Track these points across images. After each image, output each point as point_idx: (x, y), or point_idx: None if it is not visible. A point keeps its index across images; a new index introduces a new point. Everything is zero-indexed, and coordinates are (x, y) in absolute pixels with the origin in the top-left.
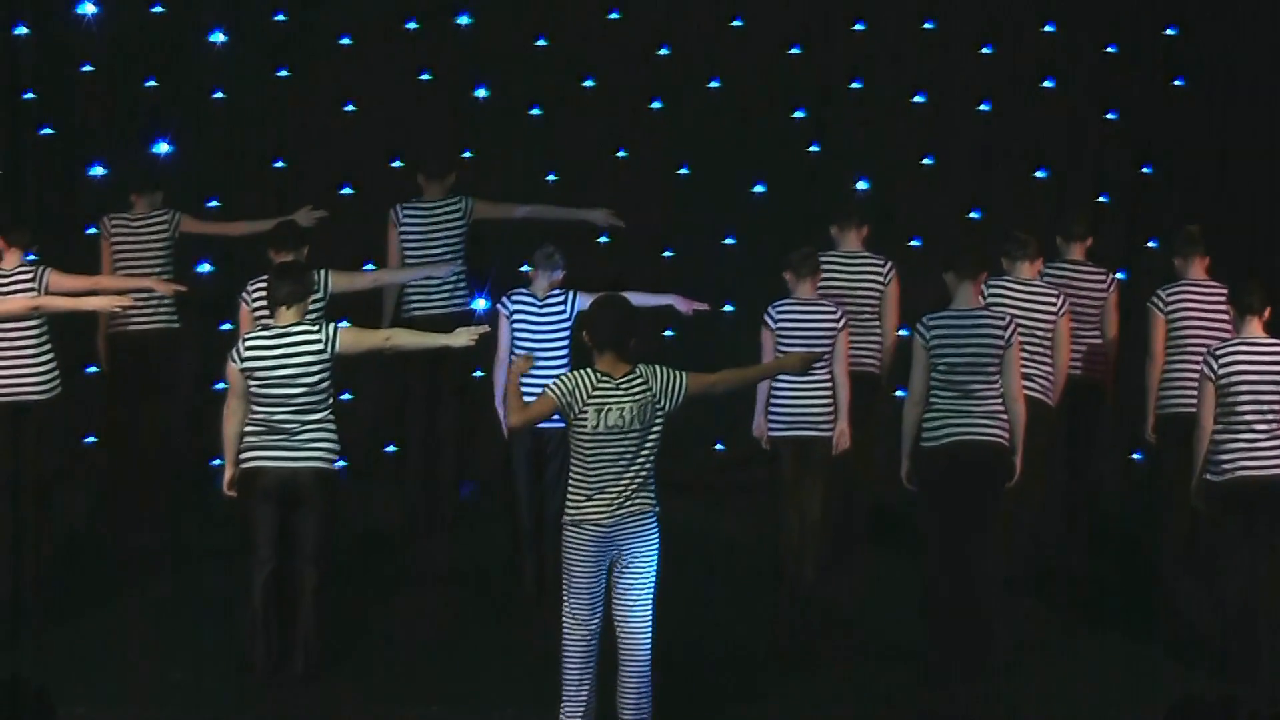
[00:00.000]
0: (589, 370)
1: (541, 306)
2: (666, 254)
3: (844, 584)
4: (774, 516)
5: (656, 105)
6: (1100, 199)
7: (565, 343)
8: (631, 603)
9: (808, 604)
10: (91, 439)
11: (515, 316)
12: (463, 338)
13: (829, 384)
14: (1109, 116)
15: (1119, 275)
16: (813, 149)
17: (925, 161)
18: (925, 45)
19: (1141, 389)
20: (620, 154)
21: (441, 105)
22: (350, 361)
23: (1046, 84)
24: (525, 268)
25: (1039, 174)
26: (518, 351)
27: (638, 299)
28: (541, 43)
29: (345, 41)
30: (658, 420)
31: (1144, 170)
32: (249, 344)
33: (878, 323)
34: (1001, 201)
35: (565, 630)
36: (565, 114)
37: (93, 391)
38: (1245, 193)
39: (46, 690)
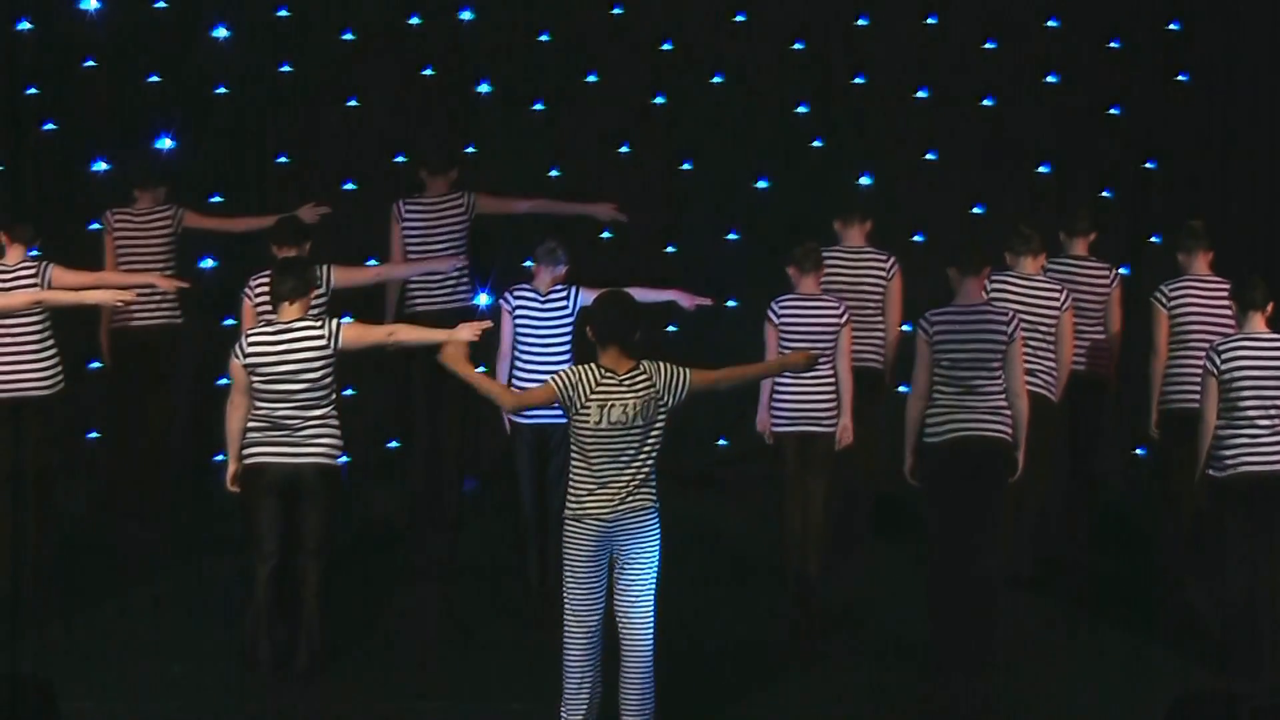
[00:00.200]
0: (593, 365)
1: (544, 302)
2: (669, 249)
3: (847, 579)
4: (777, 512)
5: (659, 100)
6: (1103, 194)
7: (568, 338)
8: (633, 599)
9: (810, 599)
10: (94, 434)
11: (518, 312)
12: (465, 333)
13: (832, 380)
14: (1112, 112)
15: (1122, 270)
16: (816, 144)
17: (928, 157)
18: (928, 41)
19: (1144, 384)
20: (623, 149)
21: (444, 100)
22: (353, 357)
23: (1049, 79)
24: (528, 263)
25: (1042, 169)
26: (520, 347)
27: (640, 294)
28: (544, 38)
29: (348, 37)
30: (660, 416)
31: (1147, 165)
32: (252, 340)
33: (881, 318)
34: (1004, 197)
35: (567, 626)
36: (568, 109)
37: (95, 387)
38: (1248, 188)
39: (49, 685)
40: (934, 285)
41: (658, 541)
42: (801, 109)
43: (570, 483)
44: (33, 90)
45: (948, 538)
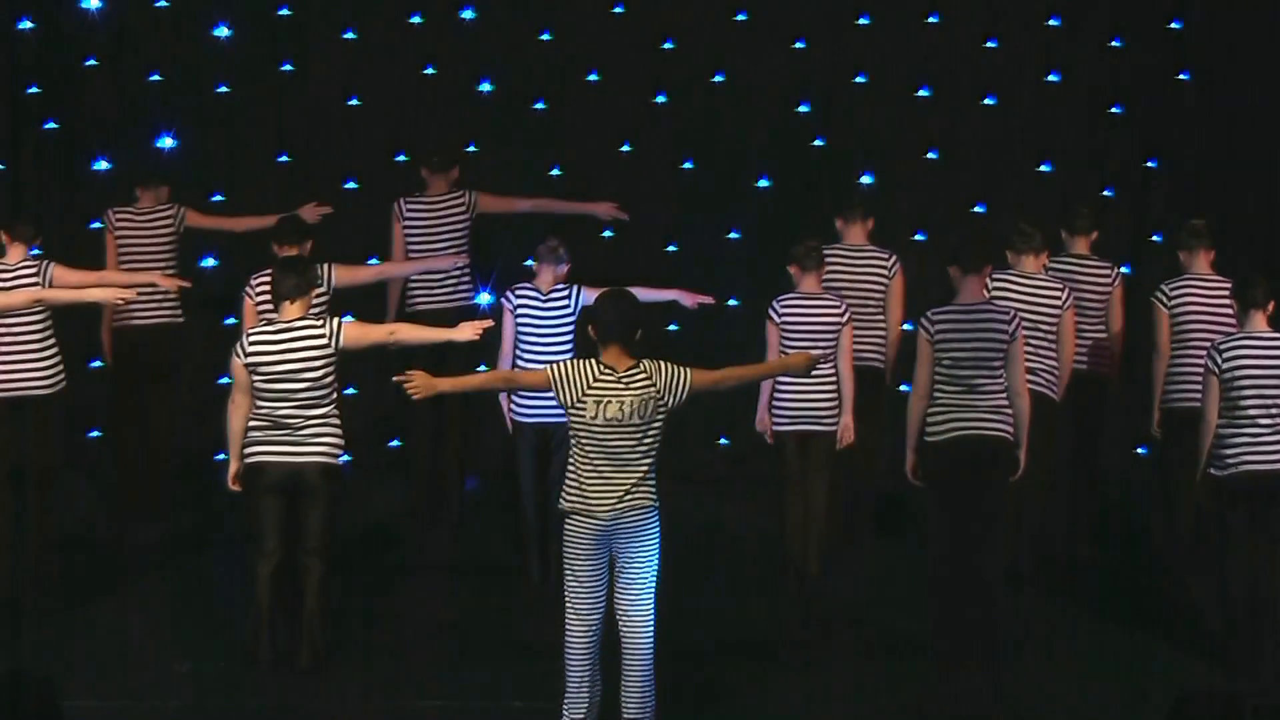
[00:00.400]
0: (592, 361)
1: (545, 301)
2: (671, 248)
3: (848, 578)
4: (778, 510)
5: (661, 99)
6: (1105, 193)
7: (569, 337)
8: (633, 598)
9: (812, 597)
10: (96, 433)
11: (519, 311)
12: (466, 331)
13: (833, 379)
14: (1114, 110)
15: (1124, 269)
16: (817, 143)
17: (930, 156)
18: (930, 39)
19: (1146, 383)
20: (625, 148)
21: (446, 99)
22: (354, 356)
23: (1051, 78)
24: (529, 262)
25: (1044, 168)
26: (522, 346)
27: (642, 294)
28: (546, 36)
29: (349, 35)
30: (659, 416)
31: (1149, 164)
32: (253, 339)
33: (882, 317)
34: (1006, 195)
35: (568, 623)
36: (569, 108)
37: (97, 386)
38: (1250, 186)
39: (50, 682)
40: (936, 284)
41: (657, 540)
42: (803, 108)
43: (568, 479)
44: (34, 89)
45: (949, 536)
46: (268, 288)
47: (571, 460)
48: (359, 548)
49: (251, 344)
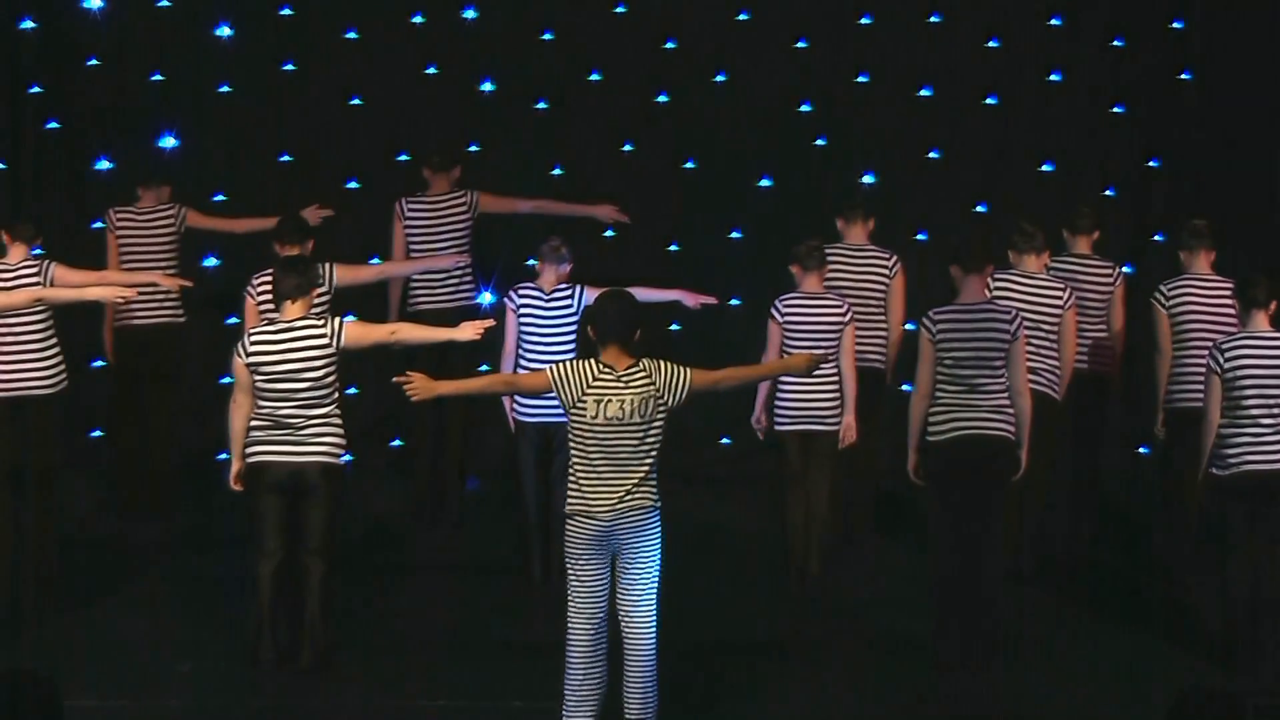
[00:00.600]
0: (592, 361)
1: (548, 300)
2: (673, 248)
3: (850, 576)
4: (780, 510)
5: (663, 99)
6: (1107, 192)
7: (572, 337)
8: (635, 598)
9: (814, 596)
10: (97, 433)
11: (522, 310)
12: (468, 331)
13: (835, 379)
14: (1115, 110)
15: (1126, 269)
16: (819, 143)
17: (932, 155)
18: (932, 39)
19: (1147, 383)
20: (626, 148)
21: (447, 99)
22: (355, 355)
23: (1053, 77)
24: (531, 262)
25: (1045, 167)
26: (524, 345)
27: (644, 294)
28: (547, 36)
29: (351, 35)
30: (659, 415)
31: (1151, 164)
32: (254, 339)
33: (883, 317)
34: (1008, 195)
35: (569, 623)
36: (571, 108)
37: (99, 385)
38: (1251, 186)
39: (53, 681)
40: (937, 284)
41: (659, 540)
42: (805, 107)
43: (570, 479)
44: (36, 89)
45: (950, 535)
46: (269, 287)
47: (572, 462)
48: (360, 547)
49: (253, 344)
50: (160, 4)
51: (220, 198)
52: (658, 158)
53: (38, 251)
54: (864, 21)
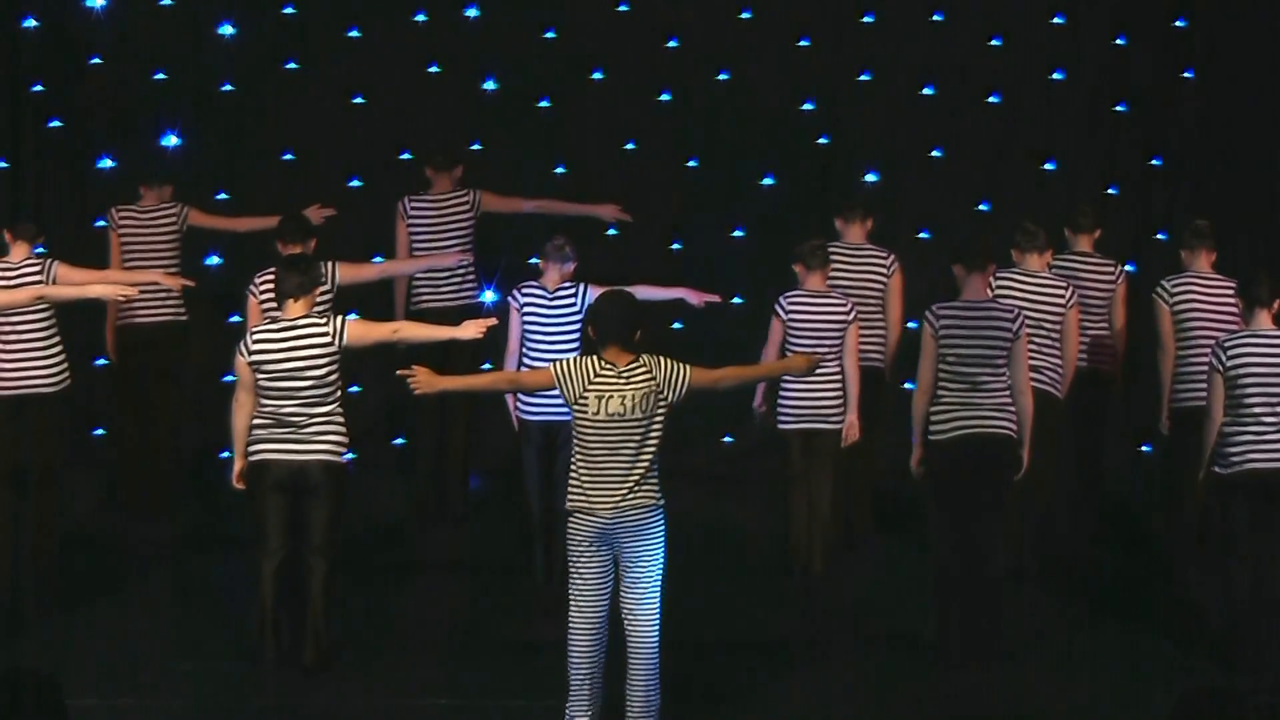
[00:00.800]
0: (594, 357)
1: (552, 299)
2: (675, 246)
3: (852, 575)
4: (782, 508)
5: (665, 97)
6: (1109, 191)
7: (575, 336)
8: (638, 596)
9: (817, 594)
10: (100, 431)
11: (526, 309)
12: (470, 330)
13: (838, 377)
14: (1118, 109)
15: (1128, 267)
16: (822, 141)
17: (934, 154)
18: (934, 37)
19: (1149, 381)
20: (629, 146)
21: (450, 97)
22: (358, 354)
23: (1056, 76)
24: (534, 260)
25: (1048, 166)
26: (528, 344)
27: (648, 293)
28: (550, 35)
29: (353, 34)
30: (660, 411)
31: (1153, 162)
32: (257, 337)
33: (882, 316)
34: (1011, 194)
35: (571, 621)
36: (574, 106)
37: (101, 384)
38: (1253, 184)
39: (55, 680)
40: (939, 282)
41: (662, 539)
42: (807, 106)
43: (571, 476)
44: (38, 87)
45: (952, 534)
46: (271, 286)
47: (574, 459)
48: (363, 546)
49: (255, 342)
50: (162, 3)
51: (222, 196)
52: (660, 156)
53: (40, 250)
54: (866, 20)
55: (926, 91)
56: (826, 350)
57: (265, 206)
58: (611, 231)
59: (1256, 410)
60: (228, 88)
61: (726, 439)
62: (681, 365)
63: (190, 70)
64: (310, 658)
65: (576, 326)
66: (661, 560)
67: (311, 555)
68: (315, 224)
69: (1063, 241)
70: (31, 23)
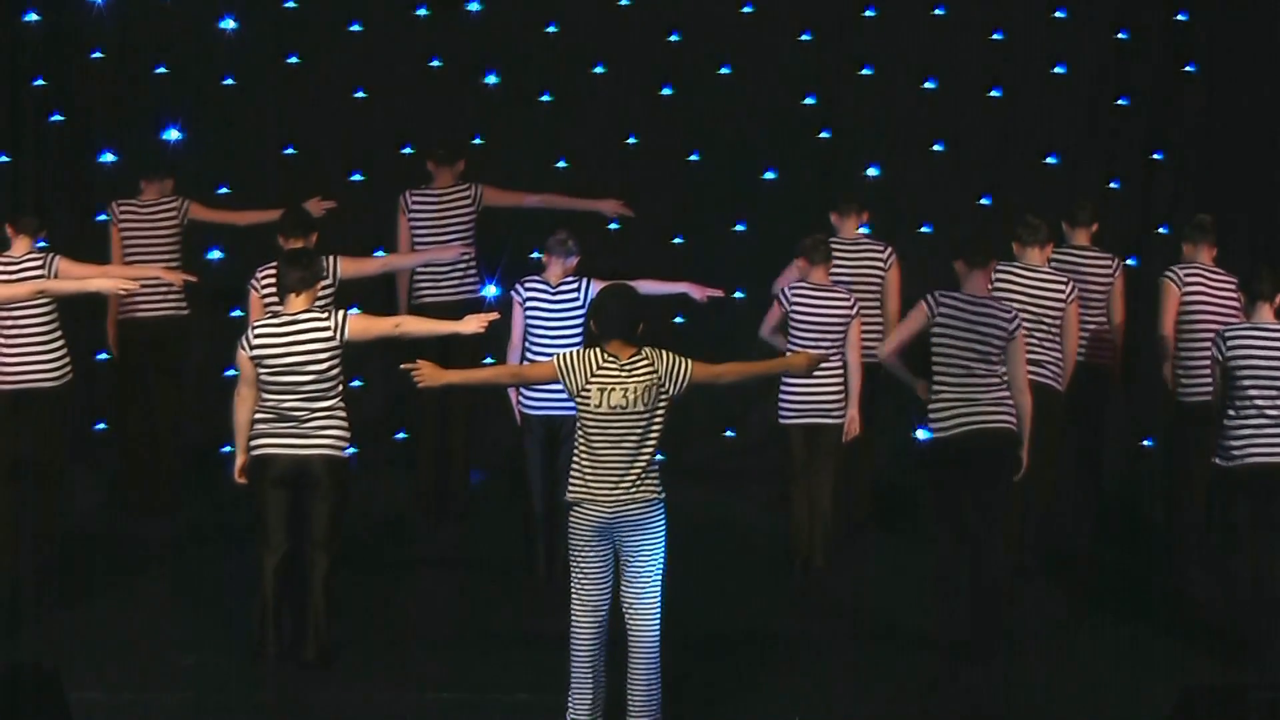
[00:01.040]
0: (597, 350)
1: (555, 293)
2: (677, 241)
3: (854, 570)
4: (784, 503)
5: (667, 92)
6: (1111, 185)
7: (578, 330)
8: (639, 591)
9: (818, 589)
10: (101, 426)
11: (529, 303)
12: (472, 324)
13: (841, 372)
14: (1120, 103)
15: (1130, 261)
16: (823, 135)
17: (936, 148)
18: (936, 31)
19: (1149, 376)
20: (630, 141)
21: (451, 91)
22: (360, 348)
23: (1057, 70)
24: (536, 254)
25: (1050, 160)
26: (531, 338)
27: (651, 287)
28: (552, 29)
29: (355, 28)
30: (661, 404)
31: (1155, 157)
32: (258, 331)
33: (879, 309)
34: (1012, 188)
35: (573, 615)
36: (575, 100)
37: (103, 379)
38: (1256, 179)
39: (56, 674)
40: (942, 278)
41: (663, 533)
42: (809, 100)
43: (573, 468)
44: (40, 81)
45: (953, 529)
46: (273, 280)
47: (576, 452)
48: (365, 540)
49: (257, 337)
50: None
51: (224, 190)
52: (662, 151)
53: (42, 244)
54: (868, 14)
55: (928, 86)
56: (829, 345)
57: (266, 200)
58: (613, 226)
59: (1260, 403)
60: (229, 82)
61: (728, 433)
62: (683, 359)
63: (191, 64)
64: (311, 653)
65: (579, 321)
66: (662, 555)
67: (313, 550)
68: (316, 218)
69: (1061, 236)
70: (33, 17)
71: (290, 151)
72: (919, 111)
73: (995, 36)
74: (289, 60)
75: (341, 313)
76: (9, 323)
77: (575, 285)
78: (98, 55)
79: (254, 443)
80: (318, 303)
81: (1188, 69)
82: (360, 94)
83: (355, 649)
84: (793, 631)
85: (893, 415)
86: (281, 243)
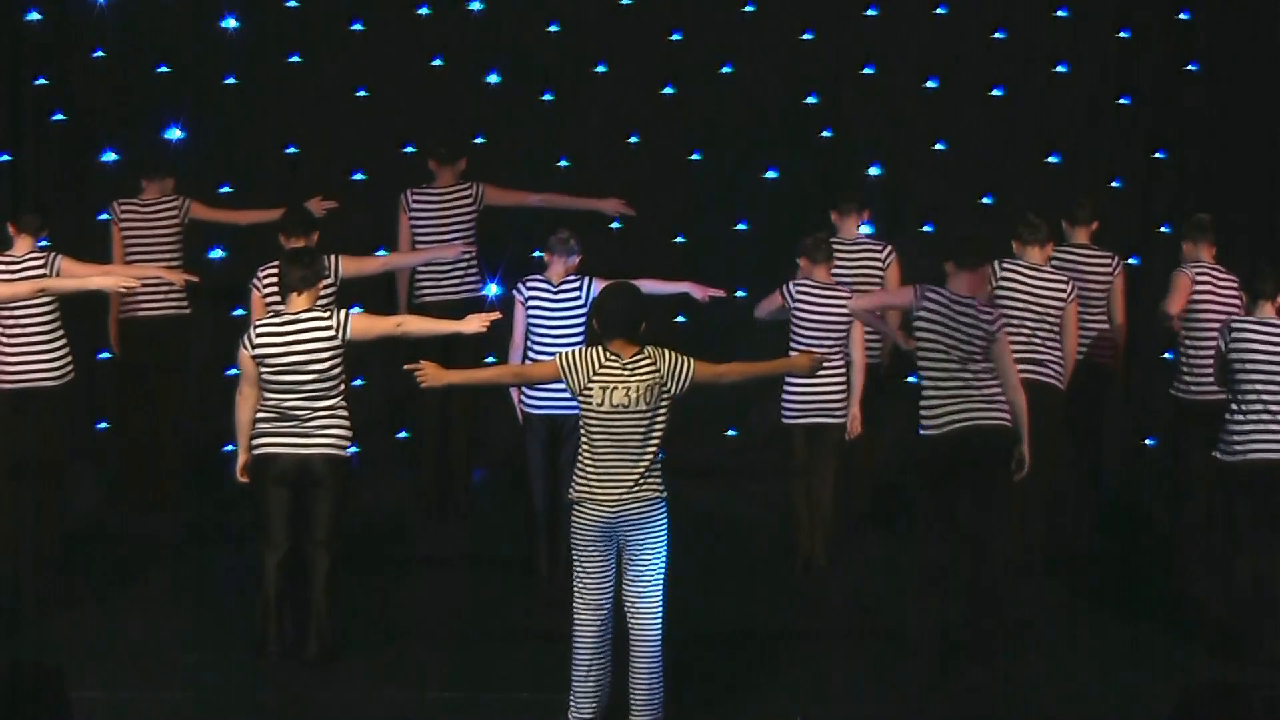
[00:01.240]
0: (599, 349)
1: (557, 293)
2: (678, 240)
3: (856, 568)
4: (786, 501)
5: (669, 91)
6: (1113, 184)
7: (580, 329)
8: (641, 589)
9: (819, 587)
10: (103, 425)
11: (530, 302)
12: (474, 323)
13: (843, 371)
14: (1121, 102)
15: (1131, 260)
16: (825, 134)
17: (938, 147)
18: (937, 30)
19: (1149, 374)
20: (632, 140)
21: (453, 90)
22: (361, 347)
23: (1059, 69)
24: (537, 253)
25: (1051, 159)
26: (533, 337)
27: (653, 287)
28: (553, 28)
29: (357, 27)
30: (663, 403)
31: (1156, 155)
32: (260, 330)
33: None
34: (1014, 187)
35: (575, 613)
36: (577, 99)
37: (105, 377)
38: (1257, 178)
39: (58, 673)
40: (941, 277)
41: (665, 531)
42: (811, 99)
43: (576, 468)
44: (41, 80)
45: (943, 529)
46: (275, 279)
47: (580, 449)
48: (366, 539)
49: (259, 336)
50: None
51: (225, 189)
52: (664, 150)
53: (44, 243)
54: (870, 13)
55: (930, 85)
56: (832, 344)
57: (268, 199)
58: (615, 225)
59: (1265, 398)
60: (230, 80)
61: (730, 432)
62: (685, 359)
63: (193, 63)
64: (313, 651)
65: (581, 320)
66: (664, 554)
67: (315, 548)
68: (318, 216)
69: (1062, 234)
70: (34, 15)
71: (292, 150)
72: (920, 110)
73: (997, 36)
74: (291, 59)
75: (343, 312)
76: (10, 322)
77: (577, 284)
78: (99, 54)
79: (256, 442)
80: (319, 302)
81: (1189, 68)
82: (362, 93)
83: (357, 647)
84: (794, 630)
85: (891, 415)
86: (283, 242)
